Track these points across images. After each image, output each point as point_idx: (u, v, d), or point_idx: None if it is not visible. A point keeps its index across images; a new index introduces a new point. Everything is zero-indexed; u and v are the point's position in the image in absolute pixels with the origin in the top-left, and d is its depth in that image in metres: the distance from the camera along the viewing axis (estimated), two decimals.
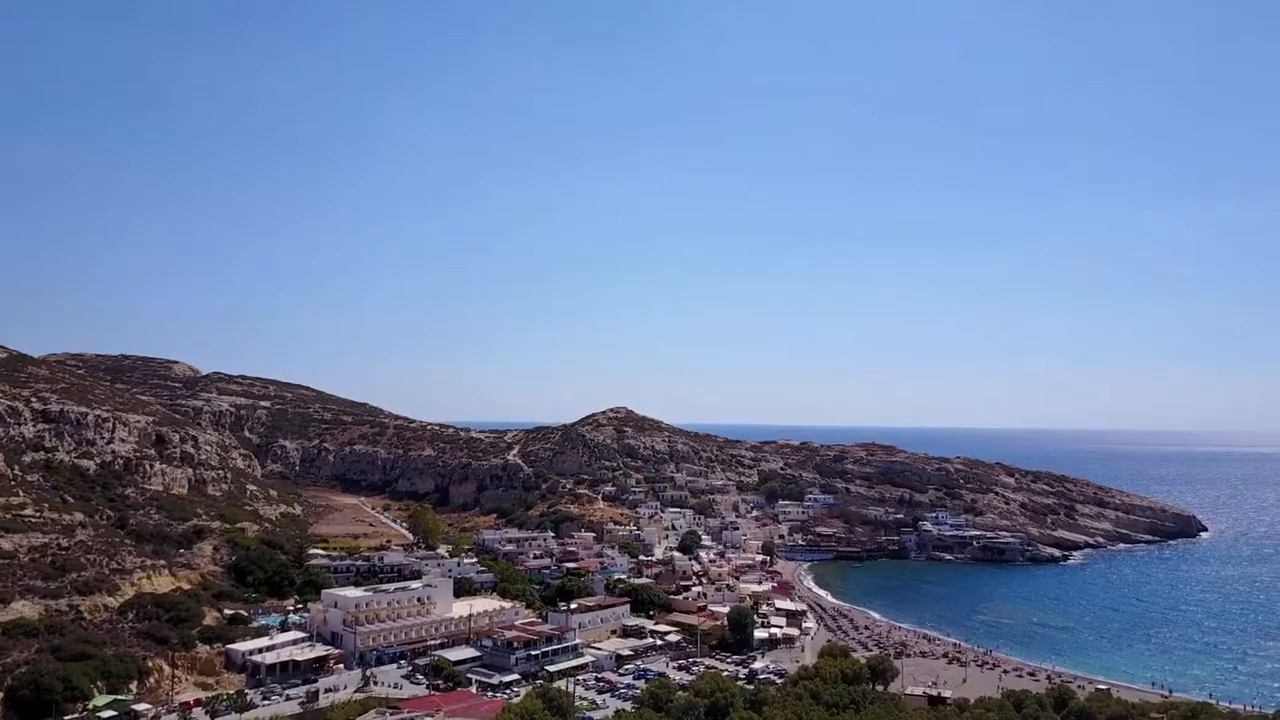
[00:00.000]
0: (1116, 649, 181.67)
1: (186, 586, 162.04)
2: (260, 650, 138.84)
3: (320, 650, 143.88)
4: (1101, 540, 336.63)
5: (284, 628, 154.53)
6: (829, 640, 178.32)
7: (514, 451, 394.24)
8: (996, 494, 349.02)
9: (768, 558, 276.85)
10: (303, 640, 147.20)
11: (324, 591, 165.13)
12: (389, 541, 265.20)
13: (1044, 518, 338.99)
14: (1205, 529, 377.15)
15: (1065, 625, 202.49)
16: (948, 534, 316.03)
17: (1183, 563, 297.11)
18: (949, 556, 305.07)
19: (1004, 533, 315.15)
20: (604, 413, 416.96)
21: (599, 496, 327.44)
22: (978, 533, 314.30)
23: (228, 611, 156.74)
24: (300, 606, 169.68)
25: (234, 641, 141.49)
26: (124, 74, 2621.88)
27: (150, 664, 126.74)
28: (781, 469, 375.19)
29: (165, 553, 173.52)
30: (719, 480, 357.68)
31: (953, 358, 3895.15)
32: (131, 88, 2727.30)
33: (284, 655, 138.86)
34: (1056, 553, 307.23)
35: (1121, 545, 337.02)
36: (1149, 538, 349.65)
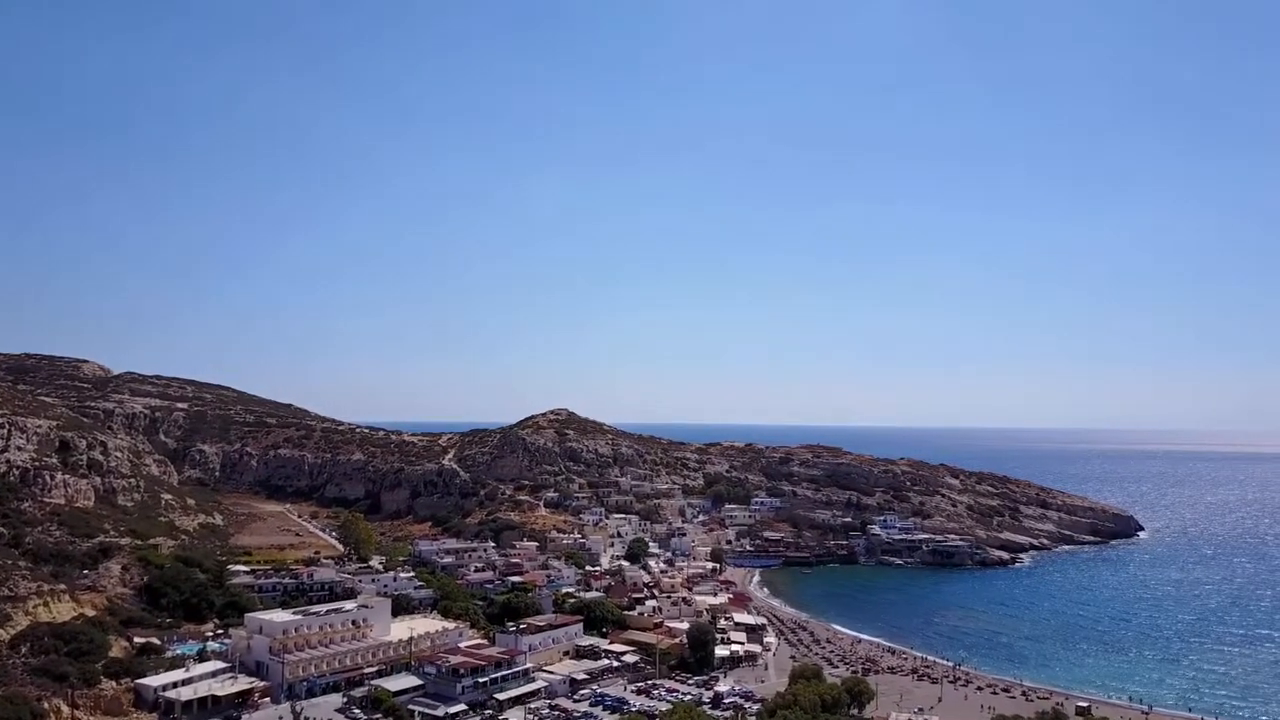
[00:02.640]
0: (1083, 659, 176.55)
1: (90, 613, 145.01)
2: (175, 685, 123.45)
3: (244, 683, 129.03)
4: (1046, 542, 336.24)
5: (202, 657, 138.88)
6: (792, 657, 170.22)
7: (449, 456, 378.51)
8: (943, 496, 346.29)
9: (717, 565, 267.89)
10: (224, 672, 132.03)
11: (248, 615, 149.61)
12: (318, 553, 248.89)
13: (990, 520, 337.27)
14: (1143, 528, 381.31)
15: (1029, 635, 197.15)
16: (896, 538, 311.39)
17: (1129, 565, 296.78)
18: (899, 561, 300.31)
19: (952, 536, 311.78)
20: (544, 414, 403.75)
21: (540, 503, 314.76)
22: (926, 536, 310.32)
23: (138, 641, 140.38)
24: (221, 632, 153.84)
25: (145, 675, 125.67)
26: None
27: (46, 705, 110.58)
28: (727, 471, 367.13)
29: (66, 575, 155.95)
30: (664, 484, 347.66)
31: (875, 359, 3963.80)
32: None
33: (202, 690, 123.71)
34: (1005, 555, 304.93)
35: (1065, 546, 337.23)
36: (1091, 538, 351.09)
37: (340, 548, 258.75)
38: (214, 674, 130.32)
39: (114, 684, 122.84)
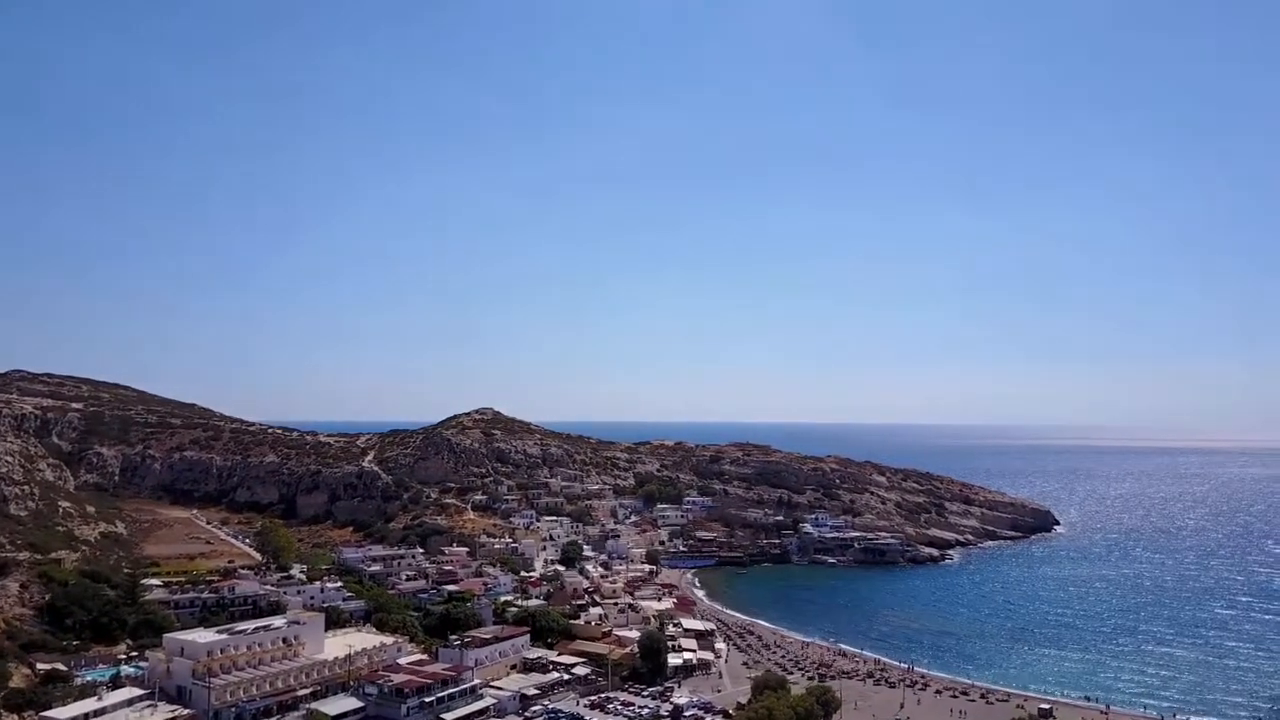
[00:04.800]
0: (1032, 659, 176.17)
1: None
2: (87, 716, 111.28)
3: (165, 711, 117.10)
4: (970, 537, 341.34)
5: (116, 684, 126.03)
6: (744, 663, 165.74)
7: (369, 457, 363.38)
8: (872, 493, 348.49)
9: (654, 567, 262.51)
10: (142, 699, 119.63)
11: (166, 636, 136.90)
12: (232, 561, 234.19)
13: (918, 516, 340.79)
14: (1059, 523, 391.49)
15: (973, 634, 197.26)
16: (828, 536, 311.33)
17: (1055, 561, 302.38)
18: (831, 560, 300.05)
19: (883, 533, 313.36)
20: (469, 414, 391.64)
21: (468, 506, 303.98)
22: (858, 534, 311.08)
23: (42, 668, 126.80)
24: (136, 655, 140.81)
25: (51, 707, 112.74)
26: None
27: None
28: (658, 471, 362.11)
29: None
30: (595, 485, 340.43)
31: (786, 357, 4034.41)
32: None
33: None
34: (935, 552, 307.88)
35: (989, 542, 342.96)
36: (1012, 533, 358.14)
37: (257, 556, 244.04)
38: (131, 702, 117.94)
39: (16, 718, 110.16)
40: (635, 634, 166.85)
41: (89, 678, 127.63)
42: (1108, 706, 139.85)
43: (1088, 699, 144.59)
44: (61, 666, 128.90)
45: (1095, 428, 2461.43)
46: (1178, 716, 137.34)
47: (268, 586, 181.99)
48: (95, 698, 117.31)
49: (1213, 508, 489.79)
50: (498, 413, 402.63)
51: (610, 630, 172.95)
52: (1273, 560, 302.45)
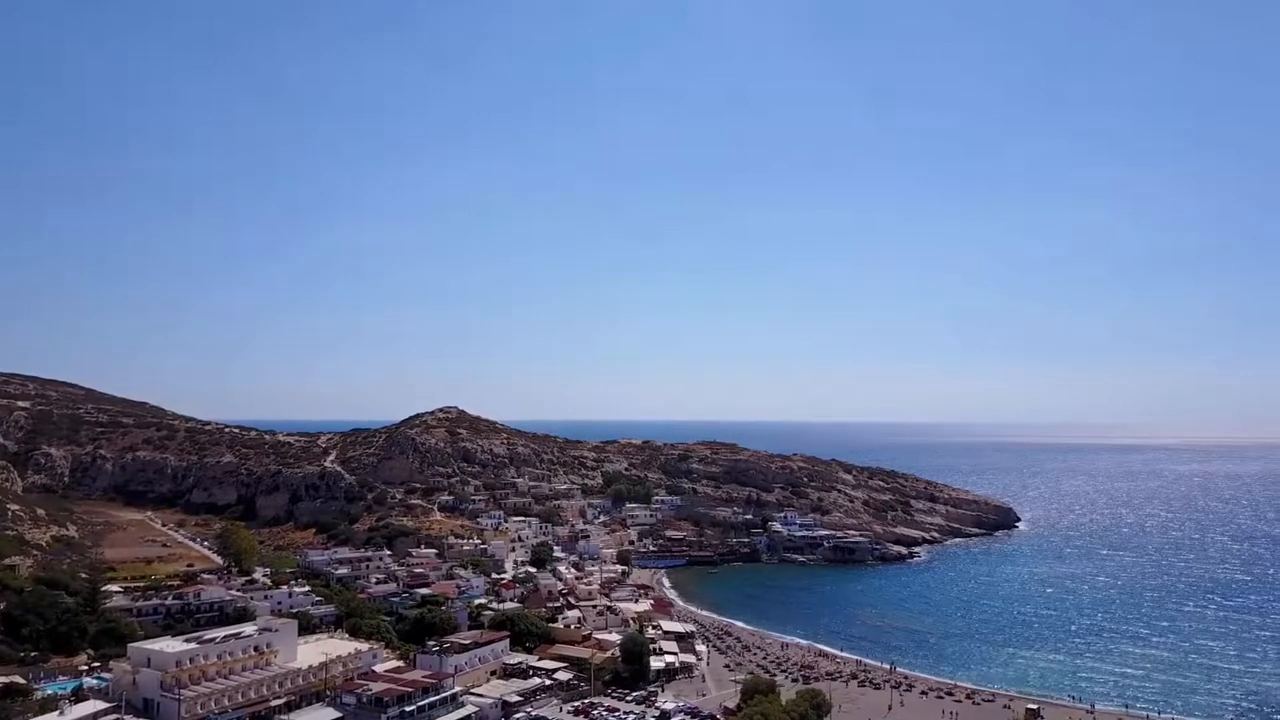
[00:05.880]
0: (1010, 658, 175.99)
1: None
2: None
3: None
4: (936, 535, 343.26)
5: (79, 696, 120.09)
6: (726, 666, 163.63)
7: (331, 457, 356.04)
8: (840, 492, 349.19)
9: (626, 568, 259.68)
10: (108, 713, 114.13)
11: (131, 646, 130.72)
12: (192, 565, 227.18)
13: (884, 514, 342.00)
14: (1020, 520, 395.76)
15: (949, 633, 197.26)
16: (798, 535, 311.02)
17: (1021, 558, 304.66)
18: (801, 558, 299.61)
19: (852, 532, 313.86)
20: (433, 413, 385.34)
21: (434, 507, 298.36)
22: (827, 533, 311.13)
23: None
24: (98, 665, 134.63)
25: None
26: None
27: None
28: (626, 470, 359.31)
29: None
30: (563, 484, 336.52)
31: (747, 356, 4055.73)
32: None
33: None
34: (903, 550, 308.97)
35: (954, 539, 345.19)
36: (976, 530, 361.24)
37: (218, 560, 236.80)
38: (96, 716, 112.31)
39: None
40: (615, 637, 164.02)
41: (49, 691, 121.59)
42: (1092, 705, 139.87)
43: (1072, 698, 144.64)
44: (20, 679, 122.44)
45: (1027, 426, 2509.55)
46: (1163, 715, 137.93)
47: (234, 592, 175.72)
48: (57, 712, 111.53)
49: (1165, 503, 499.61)
50: (462, 411, 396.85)
51: (590, 633, 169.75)
52: (1230, 556, 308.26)
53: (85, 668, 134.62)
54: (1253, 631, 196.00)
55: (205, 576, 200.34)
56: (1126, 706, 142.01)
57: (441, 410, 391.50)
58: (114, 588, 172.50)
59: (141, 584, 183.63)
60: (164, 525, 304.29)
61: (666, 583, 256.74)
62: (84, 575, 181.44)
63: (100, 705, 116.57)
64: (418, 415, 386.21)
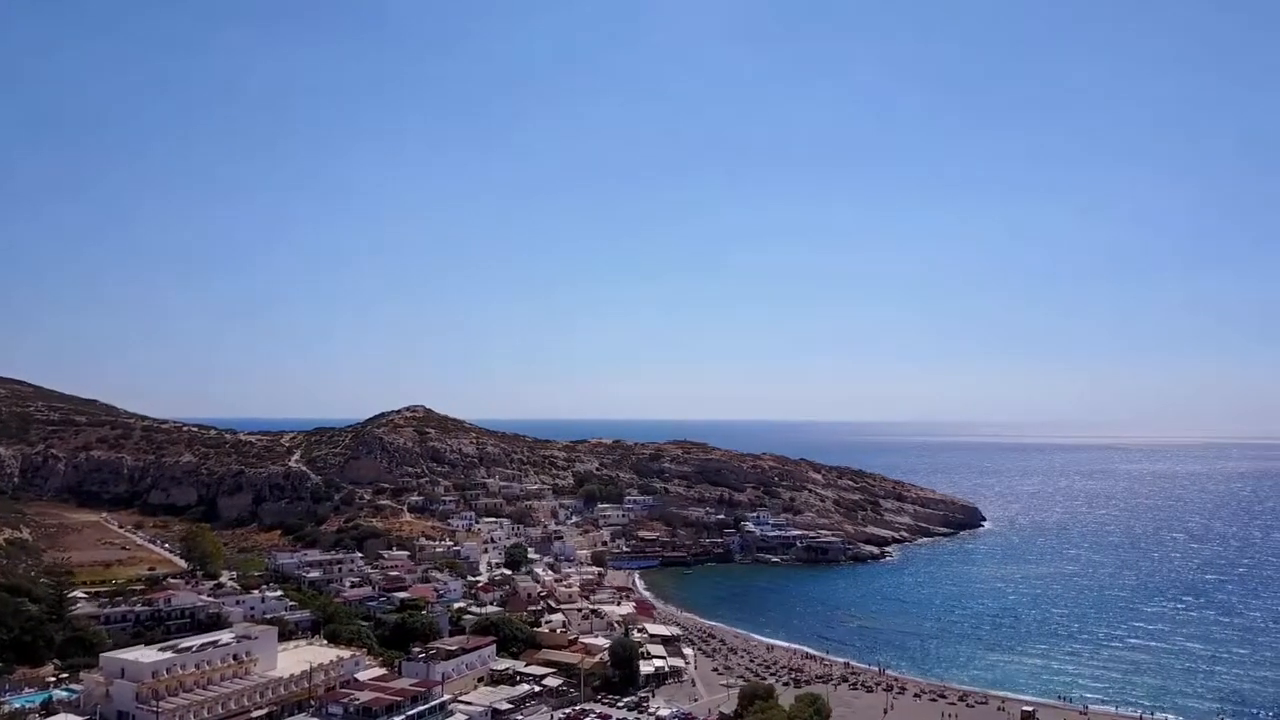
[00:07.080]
0: (998, 659, 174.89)
1: None
2: None
3: None
4: (905, 535, 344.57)
5: (49, 709, 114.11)
6: (714, 670, 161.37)
7: (295, 457, 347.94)
8: (810, 491, 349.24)
9: (601, 569, 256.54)
10: None
11: (104, 655, 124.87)
12: (154, 569, 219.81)
13: (855, 514, 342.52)
14: (985, 519, 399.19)
15: (931, 634, 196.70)
16: (771, 534, 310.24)
17: (992, 558, 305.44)
18: (774, 558, 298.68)
19: (825, 531, 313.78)
20: (400, 412, 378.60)
21: (404, 507, 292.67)
22: (800, 532, 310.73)
23: None
24: (66, 676, 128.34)
25: None
26: None
27: None
28: (598, 469, 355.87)
29: None
30: (534, 485, 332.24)
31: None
32: None
33: None
34: (875, 550, 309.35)
35: (923, 539, 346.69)
36: (944, 529, 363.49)
37: (181, 563, 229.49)
38: None
39: None
40: (602, 641, 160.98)
41: (17, 704, 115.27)
42: (1086, 707, 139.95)
43: (1064, 699, 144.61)
44: None
45: (976, 425, 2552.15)
46: (1156, 715, 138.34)
47: (205, 597, 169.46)
48: None
49: (1123, 503, 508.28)
50: (430, 410, 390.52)
51: (576, 638, 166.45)
52: (1192, 554, 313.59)
53: (53, 679, 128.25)
54: (1225, 631, 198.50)
55: (171, 580, 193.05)
56: (1116, 708, 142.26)
57: (409, 409, 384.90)
58: (79, 594, 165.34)
59: (106, 589, 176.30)
60: (121, 527, 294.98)
61: (641, 584, 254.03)
62: (45, 580, 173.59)
63: (72, 718, 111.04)
64: (384, 414, 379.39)
